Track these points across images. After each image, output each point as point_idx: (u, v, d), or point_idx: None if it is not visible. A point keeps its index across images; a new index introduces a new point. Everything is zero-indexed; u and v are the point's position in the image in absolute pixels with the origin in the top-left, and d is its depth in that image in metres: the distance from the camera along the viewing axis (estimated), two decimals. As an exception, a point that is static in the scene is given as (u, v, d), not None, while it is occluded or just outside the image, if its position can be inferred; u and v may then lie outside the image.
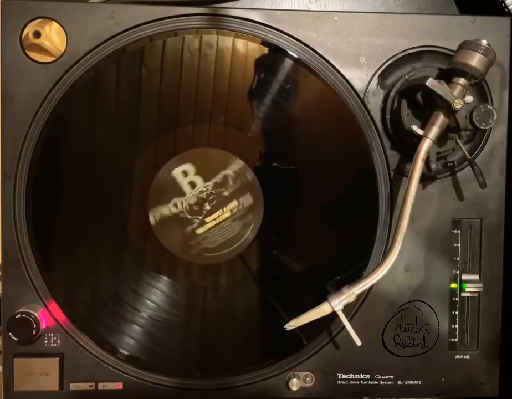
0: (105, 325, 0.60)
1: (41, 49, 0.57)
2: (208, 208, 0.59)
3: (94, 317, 0.60)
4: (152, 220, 0.59)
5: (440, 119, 0.54)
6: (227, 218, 0.60)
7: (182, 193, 0.59)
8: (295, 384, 0.61)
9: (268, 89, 0.59)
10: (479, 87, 0.60)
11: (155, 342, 0.60)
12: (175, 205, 0.59)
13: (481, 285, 0.61)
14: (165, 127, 0.59)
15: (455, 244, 0.62)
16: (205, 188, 0.59)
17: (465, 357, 0.63)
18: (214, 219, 0.60)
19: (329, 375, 0.62)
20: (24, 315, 0.57)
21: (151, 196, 0.59)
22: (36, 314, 0.57)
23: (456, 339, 0.62)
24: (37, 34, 0.57)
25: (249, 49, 0.58)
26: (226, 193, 0.59)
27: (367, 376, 0.62)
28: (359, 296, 0.57)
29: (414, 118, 0.57)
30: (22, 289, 0.59)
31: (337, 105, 0.59)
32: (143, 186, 0.59)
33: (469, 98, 0.55)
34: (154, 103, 0.58)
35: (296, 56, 0.59)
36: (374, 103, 0.60)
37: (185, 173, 0.59)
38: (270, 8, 0.69)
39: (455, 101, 0.52)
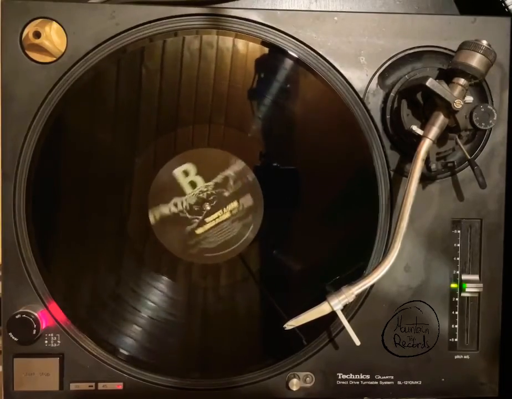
0: (105, 325, 0.60)
1: (41, 49, 0.57)
2: (208, 208, 0.59)
3: (94, 317, 0.60)
4: (152, 219, 0.59)
5: (440, 120, 0.54)
6: (227, 218, 0.60)
7: (182, 193, 0.59)
8: (295, 385, 0.61)
9: (268, 89, 0.59)
10: (479, 87, 0.59)
11: (156, 342, 0.60)
12: (175, 205, 0.59)
13: (481, 285, 0.61)
14: (166, 127, 0.59)
15: (455, 244, 0.62)
16: (206, 188, 0.59)
17: (465, 357, 0.63)
18: (214, 219, 0.60)
19: (329, 375, 0.62)
20: (24, 315, 0.57)
21: (151, 196, 0.59)
22: (36, 314, 0.57)
23: (456, 340, 0.62)
24: (37, 34, 0.56)
25: (249, 49, 0.58)
26: (226, 193, 0.59)
27: (367, 376, 0.62)
28: (359, 296, 0.57)
29: (414, 118, 0.57)
30: (23, 289, 0.59)
31: (337, 105, 0.59)
32: (143, 186, 0.59)
33: (469, 99, 0.55)
34: (155, 103, 0.58)
35: (296, 56, 0.59)
36: (374, 103, 0.60)
37: (185, 173, 0.59)
38: (270, 8, 0.69)
39: (455, 101, 0.52)
